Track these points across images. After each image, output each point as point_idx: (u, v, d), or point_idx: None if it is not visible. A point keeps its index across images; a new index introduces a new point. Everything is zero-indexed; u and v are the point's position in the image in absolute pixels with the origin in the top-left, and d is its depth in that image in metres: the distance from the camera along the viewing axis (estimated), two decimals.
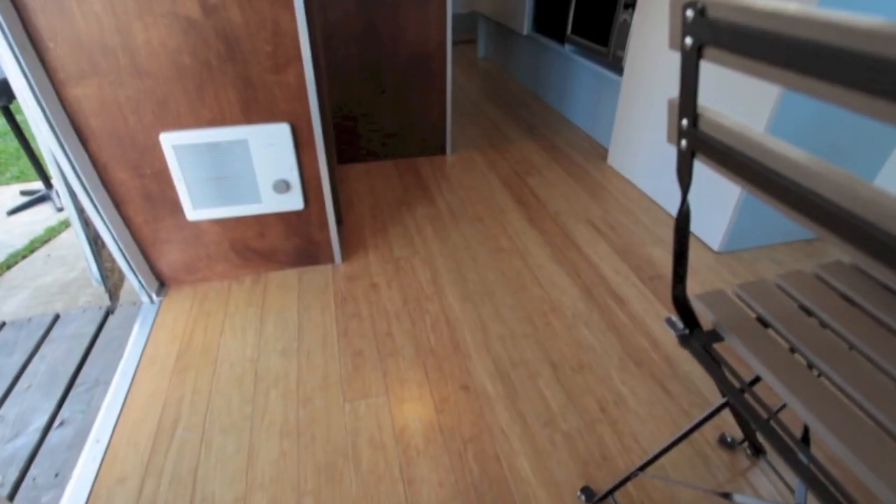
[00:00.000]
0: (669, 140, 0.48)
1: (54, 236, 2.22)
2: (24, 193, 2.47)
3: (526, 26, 3.00)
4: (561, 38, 2.64)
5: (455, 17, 4.52)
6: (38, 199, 2.40)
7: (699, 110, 0.45)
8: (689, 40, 0.41)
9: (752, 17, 0.35)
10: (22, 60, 1.11)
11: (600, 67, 2.35)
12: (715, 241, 1.71)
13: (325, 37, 1.94)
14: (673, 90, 1.80)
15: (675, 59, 1.76)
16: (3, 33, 1.08)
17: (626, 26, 2.05)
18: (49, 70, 1.16)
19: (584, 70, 2.55)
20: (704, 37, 0.39)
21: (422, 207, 1.94)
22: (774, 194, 0.39)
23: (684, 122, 0.45)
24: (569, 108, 2.79)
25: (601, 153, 2.39)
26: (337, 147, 2.23)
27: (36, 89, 1.15)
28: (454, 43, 4.70)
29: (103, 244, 1.50)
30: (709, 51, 0.40)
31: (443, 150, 2.33)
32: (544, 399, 1.18)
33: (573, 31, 2.48)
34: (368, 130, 2.21)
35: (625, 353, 1.30)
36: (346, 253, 1.69)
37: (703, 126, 0.44)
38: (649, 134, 1.96)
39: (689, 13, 0.39)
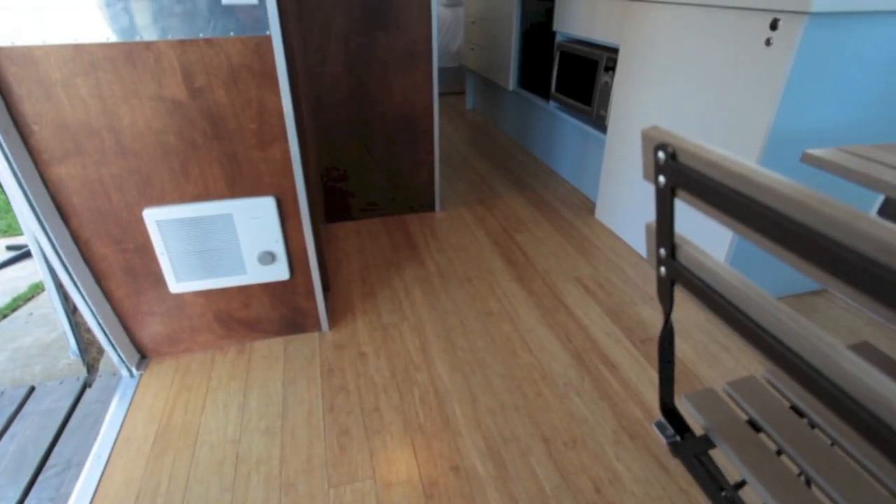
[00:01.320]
0: (650, 265, 0.47)
1: (38, 293, 2.18)
2: (10, 248, 2.44)
3: (511, 82, 3.08)
4: (546, 95, 2.71)
5: (443, 70, 4.65)
6: (23, 255, 2.37)
7: (677, 241, 0.44)
8: (662, 179, 0.40)
9: (717, 172, 0.34)
10: (4, 144, 1.11)
11: (584, 125, 2.40)
12: None
13: (314, 100, 1.97)
14: None
15: (663, 115, 1.80)
16: None
17: (608, 88, 2.10)
18: (32, 151, 1.16)
19: (569, 126, 2.61)
20: (676, 179, 0.39)
21: (411, 268, 1.93)
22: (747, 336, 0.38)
23: (662, 251, 0.45)
24: (555, 161, 2.83)
25: (589, 207, 2.41)
26: (326, 206, 2.23)
27: (17, 170, 1.14)
28: (443, 94, 4.81)
29: (82, 317, 1.47)
30: (681, 192, 0.40)
31: (432, 207, 2.34)
32: (537, 480, 1.14)
33: (557, 90, 2.55)
34: (358, 189, 2.22)
35: (619, 426, 1.27)
36: (334, 319, 1.67)
37: (681, 258, 0.44)
38: (635, 190, 1.99)
39: (661, 155, 0.39)
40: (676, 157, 0.38)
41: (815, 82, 1.34)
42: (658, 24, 1.73)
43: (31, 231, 1.24)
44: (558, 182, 2.70)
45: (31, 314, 2.06)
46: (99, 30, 1.06)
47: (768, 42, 1.34)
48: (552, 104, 2.66)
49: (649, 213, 1.92)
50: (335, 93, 1.98)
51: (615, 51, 2.05)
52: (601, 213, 2.26)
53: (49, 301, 2.10)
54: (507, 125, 3.50)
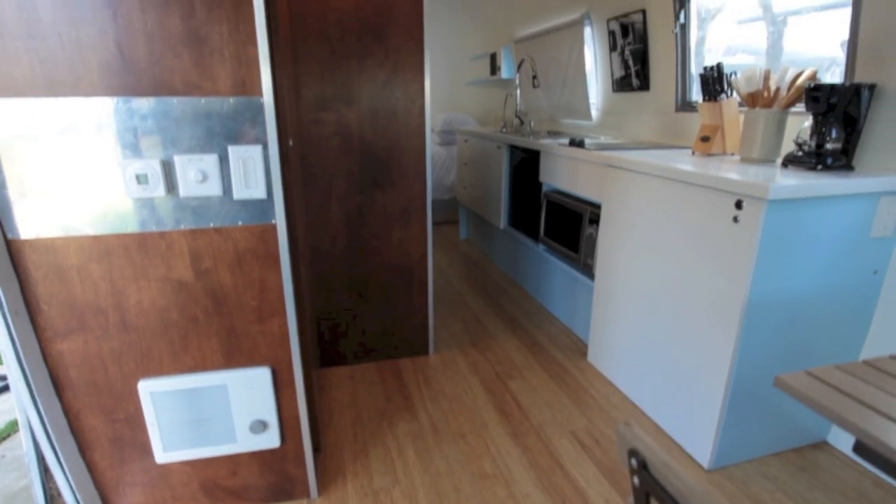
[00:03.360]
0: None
1: (14, 432, 2.08)
2: None
3: (502, 222, 3.26)
4: (535, 236, 2.85)
5: (438, 201, 4.92)
6: (3, 388, 2.30)
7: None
8: (636, 481, 0.43)
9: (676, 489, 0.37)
10: (12, 324, 1.15)
11: (573, 270, 2.50)
12: (704, 457, 1.67)
13: (311, 251, 2.07)
14: (644, 302, 1.90)
15: (645, 275, 1.89)
16: (0, 303, 1.13)
17: (593, 239, 2.23)
18: (37, 329, 1.20)
19: (559, 268, 2.72)
20: (647, 485, 0.42)
21: (404, 422, 1.89)
22: None
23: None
24: (547, 299, 2.91)
25: (581, 349, 2.43)
26: (319, 351, 2.24)
27: (20, 347, 1.17)
28: (437, 224, 5.04)
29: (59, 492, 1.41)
30: (654, 500, 0.42)
31: (426, 351, 2.36)
32: None
33: (545, 234, 2.69)
34: (352, 334, 2.25)
35: None
36: (324, 483, 1.60)
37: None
38: (626, 339, 2.02)
39: (634, 462, 0.42)
40: (647, 467, 0.41)
41: (782, 256, 1.44)
42: (636, 190, 1.88)
43: (21, 403, 1.24)
44: (550, 321, 2.75)
45: (3, 456, 1.96)
46: (118, 223, 1.15)
47: (735, 219, 1.46)
48: (541, 247, 2.80)
49: (641, 362, 1.94)
50: (334, 245, 2.09)
51: (599, 206, 2.20)
52: (593, 357, 2.28)
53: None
54: (500, 259, 3.63)
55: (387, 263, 2.18)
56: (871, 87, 1.55)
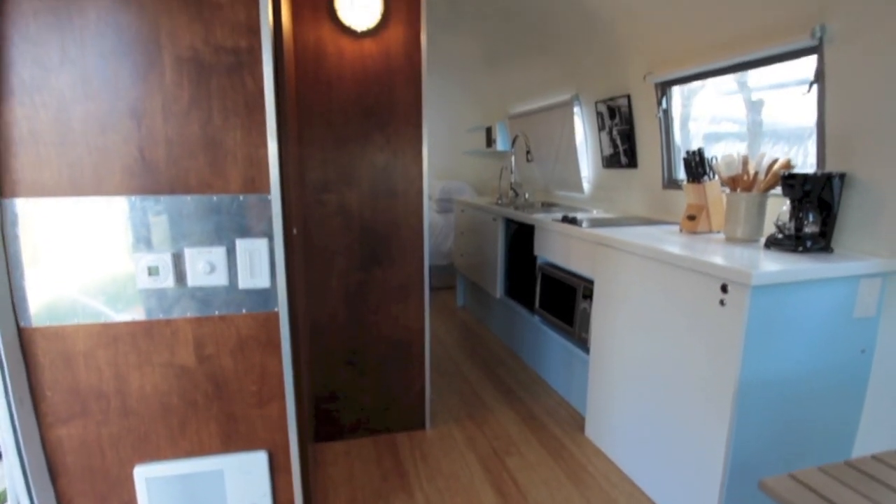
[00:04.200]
0: None
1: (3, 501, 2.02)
2: None
3: (498, 291, 3.31)
4: (531, 308, 2.89)
5: (436, 267, 4.99)
6: None
7: None
8: None
9: None
10: (16, 412, 1.17)
11: (568, 343, 2.52)
12: None
13: (311, 330, 2.11)
14: (639, 380, 1.91)
15: (639, 352, 1.92)
16: (5, 389, 1.16)
17: (587, 314, 2.27)
18: (39, 415, 1.22)
19: (555, 339, 2.74)
20: None
21: (400, 503, 1.86)
22: None
23: None
24: (543, 369, 2.91)
25: (579, 423, 2.41)
26: (316, 426, 2.22)
27: (20, 434, 1.18)
28: (435, 289, 5.09)
29: None
30: None
31: (423, 425, 2.34)
32: None
33: (541, 306, 2.73)
34: (348, 409, 2.24)
35: None
36: None
37: None
38: (623, 415, 2.02)
39: None
40: None
41: (770, 338, 1.48)
42: (627, 268, 1.95)
43: (14, 489, 1.24)
44: (547, 393, 2.74)
45: None
46: (128, 311, 1.20)
47: (722, 302, 1.51)
48: (537, 317, 2.83)
49: (639, 440, 1.93)
50: (333, 320, 2.13)
51: (592, 281, 2.26)
52: (591, 432, 2.26)
53: None
54: (497, 327, 3.65)
55: (385, 337, 2.20)
56: (842, 176, 1.65)
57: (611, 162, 3.01)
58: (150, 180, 1.14)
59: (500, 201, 3.66)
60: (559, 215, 2.68)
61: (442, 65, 4.47)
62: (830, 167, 1.72)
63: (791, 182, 1.69)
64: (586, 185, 3.40)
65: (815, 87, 1.73)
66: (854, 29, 1.56)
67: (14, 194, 1.10)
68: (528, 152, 3.50)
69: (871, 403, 1.67)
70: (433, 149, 5.28)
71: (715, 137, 2.56)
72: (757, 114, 2.31)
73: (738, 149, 2.37)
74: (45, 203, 1.11)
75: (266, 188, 1.19)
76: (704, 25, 2.08)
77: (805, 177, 1.66)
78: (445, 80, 4.89)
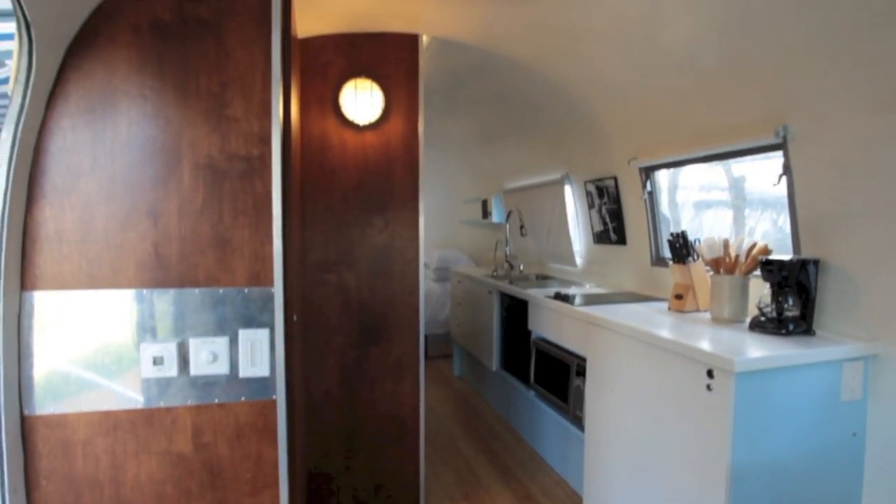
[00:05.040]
0: None
1: None
2: None
3: (494, 364, 3.32)
4: (526, 382, 2.90)
5: (432, 335, 4.99)
6: None
7: None
8: None
9: None
10: (8, 502, 1.17)
11: (563, 419, 2.52)
12: None
13: (306, 408, 2.12)
14: (635, 461, 1.91)
15: (633, 433, 1.93)
16: (0, 478, 1.17)
17: (581, 392, 2.29)
18: None
19: (550, 415, 2.73)
20: None
21: None
22: None
23: None
24: (540, 445, 2.87)
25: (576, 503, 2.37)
26: None
27: None
28: (431, 358, 5.07)
29: None
30: None
31: None
32: None
33: (535, 381, 2.75)
34: (342, 489, 2.21)
35: None
36: None
37: None
38: (620, 499, 1.99)
39: None
40: None
41: (759, 422, 1.51)
42: (618, 348, 2.00)
43: None
44: (544, 471, 2.70)
45: None
46: (130, 399, 1.24)
47: (709, 387, 1.55)
48: (532, 392, 2.83)
49: None
50: (328, 398, 2.14)
51: (584, 358, 2.29)
52: None
53: None
54: (493, 399, 3.63)
55: (380, 415, 2.21)
56: (816, 262, 1.73)
57: (601, 238, 3.13)
58: (161, 274, 1.21)
59: (495, 273, 3.75)
60: (552, 291, 2.75)
61: (441, 141, 4.71)
62: (806, 252, 1.81)
63: (769, 267, 1.77)
64: (579, 259, 3.49)
65: (784, 178, 1.86)
66: (813, 129, 1.70)
67: (34, 287, 1.17)
68: (521, 227, 3.63)
69: (870, 486, 1.66)
70: (431, 218, 5.42)
71: (705, 205, 2.68)
72: (740, 188, 2.44)
73: (727, 216, 2.49)
74: (61, 296, 1.18)
75: (270, 281, 1.26)
76: (681, 120, 2.24)
77: (782, 262, 1.74)
78: (444, 155, 5.13)
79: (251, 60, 1.22)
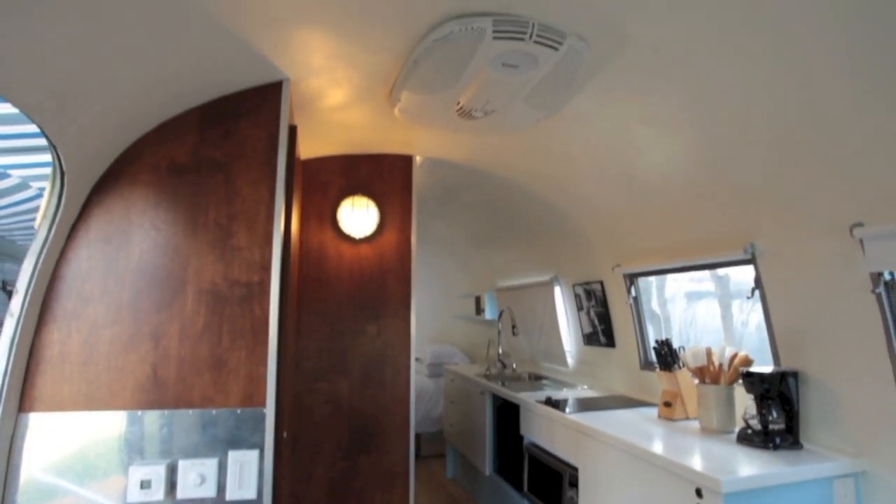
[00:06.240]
0: None
1: None
2: None
3: (487, 468, 3.22)
4: (520, 489, 2.80)
5: (425, 433, 4.84)
6: None
7: None
8: None
9: None
10: None
11: None
12: None
13: None
14: None
15: None
16: None
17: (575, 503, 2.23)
18: None
19: None
20: None
21: None
22: None
23: None
24: None
25: None
26: None
27: None
28: (423, 458, 4.89)
29: None
30: None
31: None
32: None
33: (529, 489, 2.66)
34: None
35: None
36: None
37: None
38: None
39: None
40: None
41: None
42: (608, 460, 1.98)
43: None
44: None
45: None
46: None
47: None
48: (526, 501, 2.73)
49: None
50: None
51: (577, 468, 2.25)
52: None
53: None
54: None
55: None
56: (795, 374, 1.78)
57: (591, 340, 3.17)
58: (157, 395, 1.26)
59: (488, 372, 3.74)
60: (543, 396, 2.75)
61: (435, 241, 4.89)
62: (785, 363, 1.86)
63: (750, 379, 1.82)
64: (570, 360, 3.51)
65: (757, 291, 1.96)
66: (777, 247, 1.82)
67: (31, 409, 1.20)
68: (513, 326, 3.68)
69: None
70: (426, 312, 5.48)
71: (697, 296, 2.75)
72: (725, 285, 2.54)
73: (718, 308, 2.56)
74: (56, 417, 1.21)
75: (262, 402, 1.30)
76: (659, 236, 2.39)
77: (762, 375, 1.79)
78: (439, 252, 5.29)
79: (257, 196, 1.35)
